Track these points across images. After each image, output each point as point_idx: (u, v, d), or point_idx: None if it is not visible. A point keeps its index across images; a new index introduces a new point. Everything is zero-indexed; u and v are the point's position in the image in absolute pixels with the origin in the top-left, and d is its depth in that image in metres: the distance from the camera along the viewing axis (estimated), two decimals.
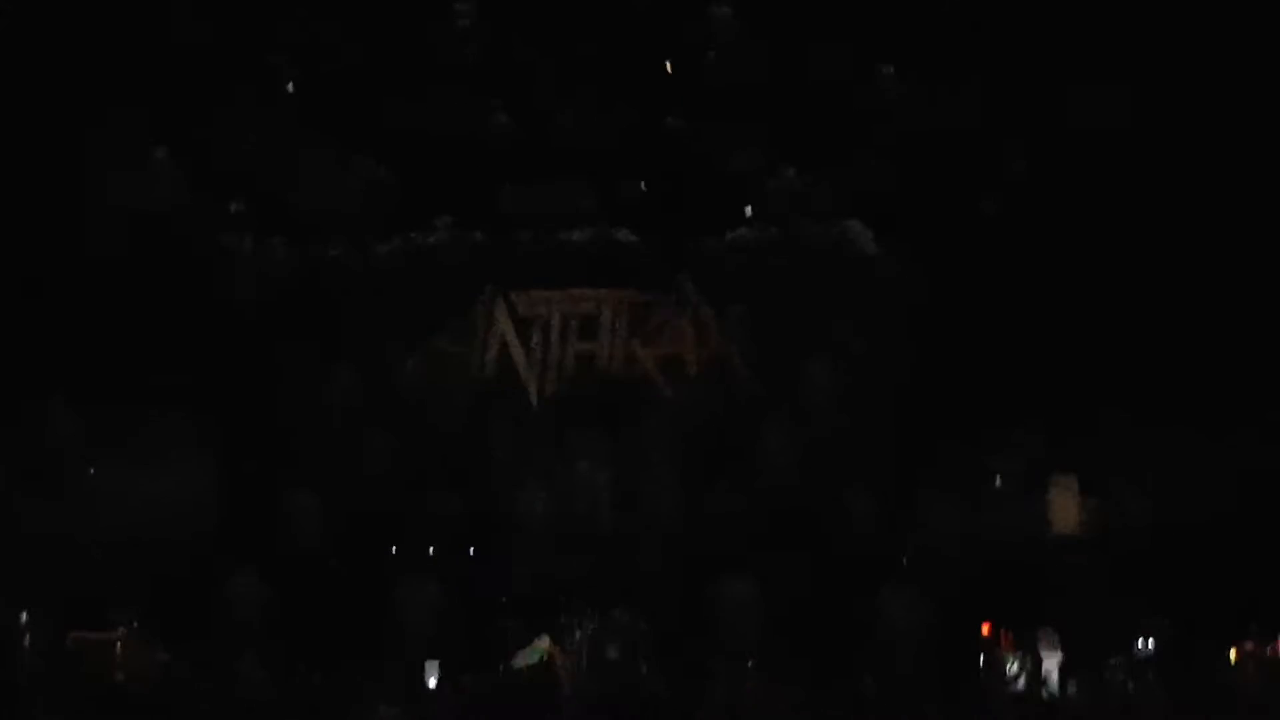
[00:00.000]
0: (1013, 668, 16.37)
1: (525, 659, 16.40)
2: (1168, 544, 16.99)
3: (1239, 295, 17.76)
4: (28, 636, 17.12)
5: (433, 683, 16.29)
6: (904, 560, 17.91)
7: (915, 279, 18.77)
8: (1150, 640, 16.57)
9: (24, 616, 17.20)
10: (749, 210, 19.46)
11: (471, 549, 18.41)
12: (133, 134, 18.63)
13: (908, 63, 19.40)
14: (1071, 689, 16.14)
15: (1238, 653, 16.24)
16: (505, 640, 17.18)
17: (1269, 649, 16.17)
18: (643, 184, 19.47)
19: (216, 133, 18.70)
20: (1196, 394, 17.40)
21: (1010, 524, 17.97)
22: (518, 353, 19.52)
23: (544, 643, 16.53)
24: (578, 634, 17.25)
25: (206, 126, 18.68)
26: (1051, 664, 16.41)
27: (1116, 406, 17.61)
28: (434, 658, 16.77)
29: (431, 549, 18.26)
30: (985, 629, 16.94)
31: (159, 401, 18.17)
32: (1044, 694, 16.25)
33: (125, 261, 18.57)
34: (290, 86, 18.78)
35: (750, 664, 16.73)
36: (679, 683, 16.44)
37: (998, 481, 18.34)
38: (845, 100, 19.32)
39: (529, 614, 17.49)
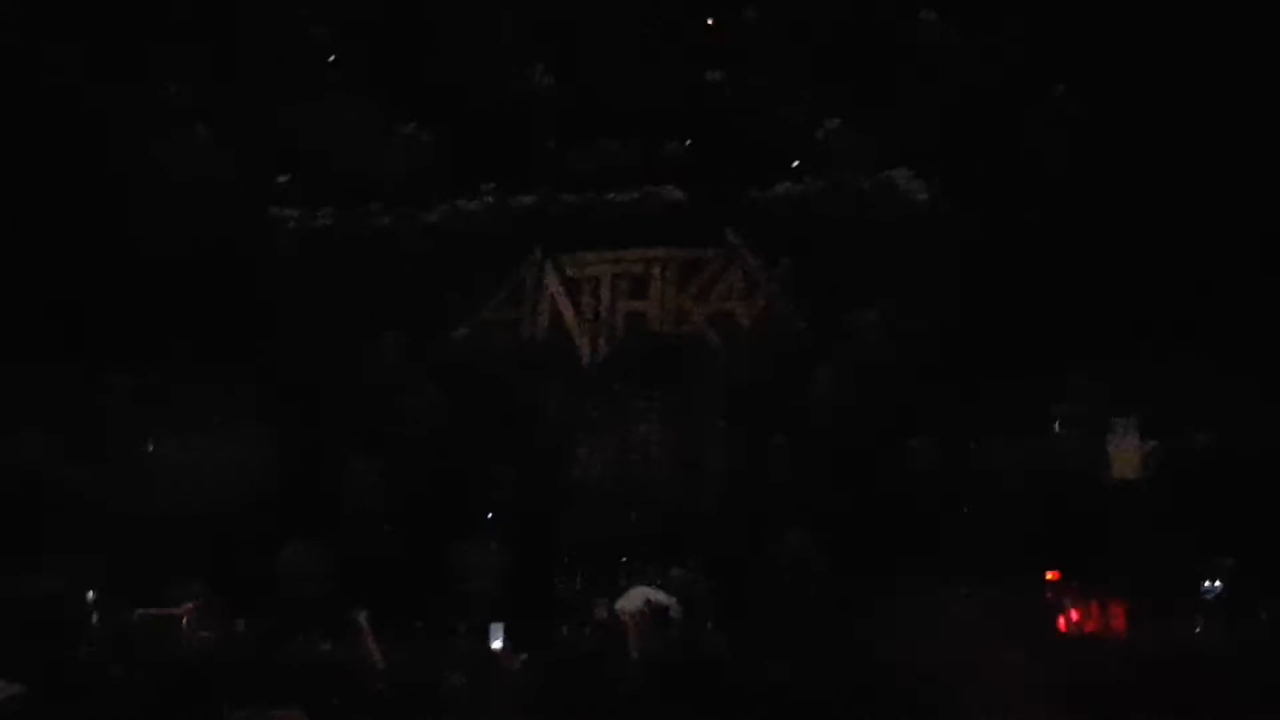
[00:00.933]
0: None
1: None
2: (1231, 484, 16.82)
3: None
4: (94, 614, 17.30)
5: (497, 645, 16.27)
6: (965, 505, 17.87)
7: (965, 224, 18.61)
8: (1216, 581, 16.43)
9: (90, 595, 17.40)
10: (795, 162, 19.31)
11: (529, 512, 18.51)
12: (179, 107, 18.68)
13: (950, 6, 19.18)
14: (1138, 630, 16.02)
15: None
16: (566, 602, 17.26)
17: None
18: (688, 140, 19.33)
19: (262, 105, 18.73)
20: (1258, 333, 17.17)
21: (1071, 467, 17.87)
22: (568, 315, 19.52)
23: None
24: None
25: (252, 99, 18.72)
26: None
27: (1175, 347, 17.41)
28: (496, 621, 16.82)
29: (490, 513, 18.37)
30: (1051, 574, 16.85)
31: (216, 372, 18.30)
32: None
33: (178, 234, 18.66)
34: (332, 58, 18.73)
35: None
36: (741, 639, 16.41)
37: (1056, 426, 18.22)
38: (889, 48, 19.10)
39: (588, 575, 17.57)
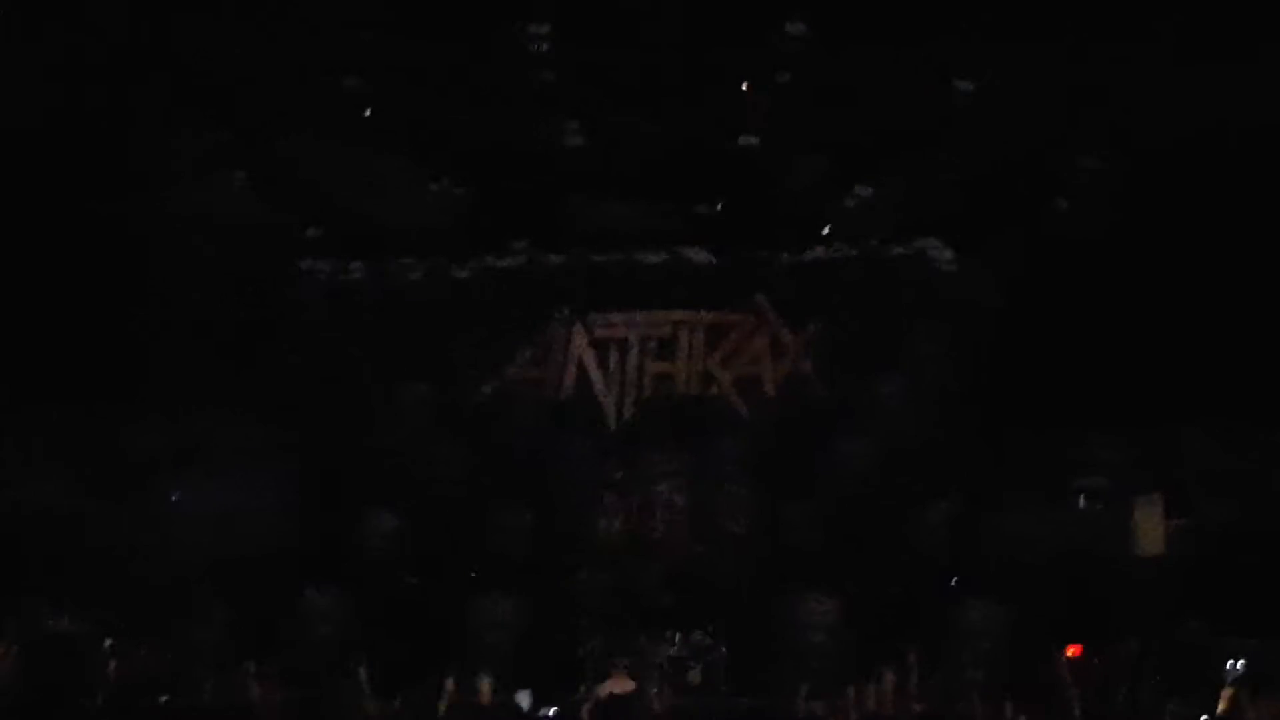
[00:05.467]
0: None
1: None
2: (1255, 562, 16.75)
3: None
4: (112, 663, 17.26)
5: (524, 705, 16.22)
6: (986, 577, 17.83)
7: (993, 294, 18.65)
8: (1240, 661, 16.32)
9: (107, 641, 17.36)
10: (826, 229, 19.36)
11: (550, 568, 18.49)
12: (213, 158, 18.71)
13: (979, 77, 19.19)
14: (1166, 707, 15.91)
15: None
16: (585, 662, 17.22)
17: None
18: (718, 204, 19.37)
19: (295, 157, 18.76)
20: None
21: (1094, 541, 17.83)
22: (595, 374, 19.54)
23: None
24: (658, 656, 17.26)
25: (285, 151, 18.75)
26: None
27: (1201, 420, 17.37)
28: (510, 676, 16.74)
29: (510, 568, 18.34)
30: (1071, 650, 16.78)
31: (239, 421, 18.30)
32: None
33: (207, 283, 18.70)
34: (367, 111, 18.75)
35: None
36: (760, 703, 16.33)
37: (1081, 500, 18.18)
38: (919, 116, 19.13)
39: (608, 636, 17.52)
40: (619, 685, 15.58)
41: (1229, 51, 17.34)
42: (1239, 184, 17.58)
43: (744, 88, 18.95)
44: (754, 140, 18.97)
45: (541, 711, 16.15)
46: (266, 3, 17.40)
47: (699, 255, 19.49)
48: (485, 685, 15.11)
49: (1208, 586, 17.02)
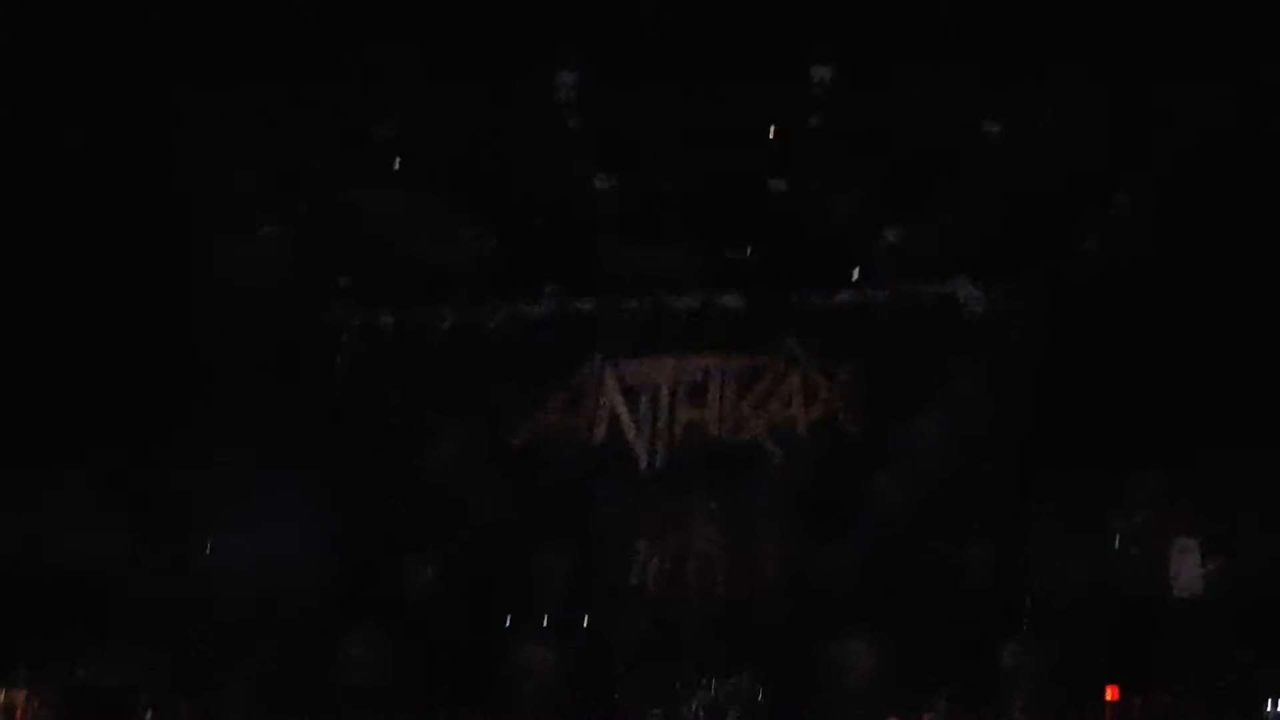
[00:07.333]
0: None
1: None
2: None
3: None
4: (149, 712, 17.26)
5: None
6: (1024, 619, 17.73)
7: (1025, 333, 18.60)
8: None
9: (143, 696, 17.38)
10: (855, 271, 19.34)
11: (585, 615, 18.44)
12: (242, 209, 18.80)
13: (1010, 118, 19.19)
14: None
15: None
16: (621, 706, 17.18)
17: None
18: (748, 248, 19.38)
19: (327, 207, 18.85)
20: None
21: (1131, 581, 17.70)
22: (627, 420, 19.51)
23: None
24: (694, 701, 17.19)
25: (317, 201, 18.84)
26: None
27: (1238, 458, 17.24)
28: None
29: (546, 614, 18.30)
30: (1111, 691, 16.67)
31: (277, 470, 18.32)
32: None
33: (238, 334, 18.75)
34: (397, 162, 18.84)
35: None
36: None
37: (1117, 541, 18.07)
38: (948, 158, 19.13)
39: (644, 679, 17.46)
40: None
41: (1265, 88, 17.34)
42: (1276, 220, 17.52)
43: (772, 132, 19.03)
44: (783, 184, 19.05)
45: None
46: (297, 53, 17.56)
47: (730, 299, 19.47)
48: None
49: (1249, 625, 16.87)
